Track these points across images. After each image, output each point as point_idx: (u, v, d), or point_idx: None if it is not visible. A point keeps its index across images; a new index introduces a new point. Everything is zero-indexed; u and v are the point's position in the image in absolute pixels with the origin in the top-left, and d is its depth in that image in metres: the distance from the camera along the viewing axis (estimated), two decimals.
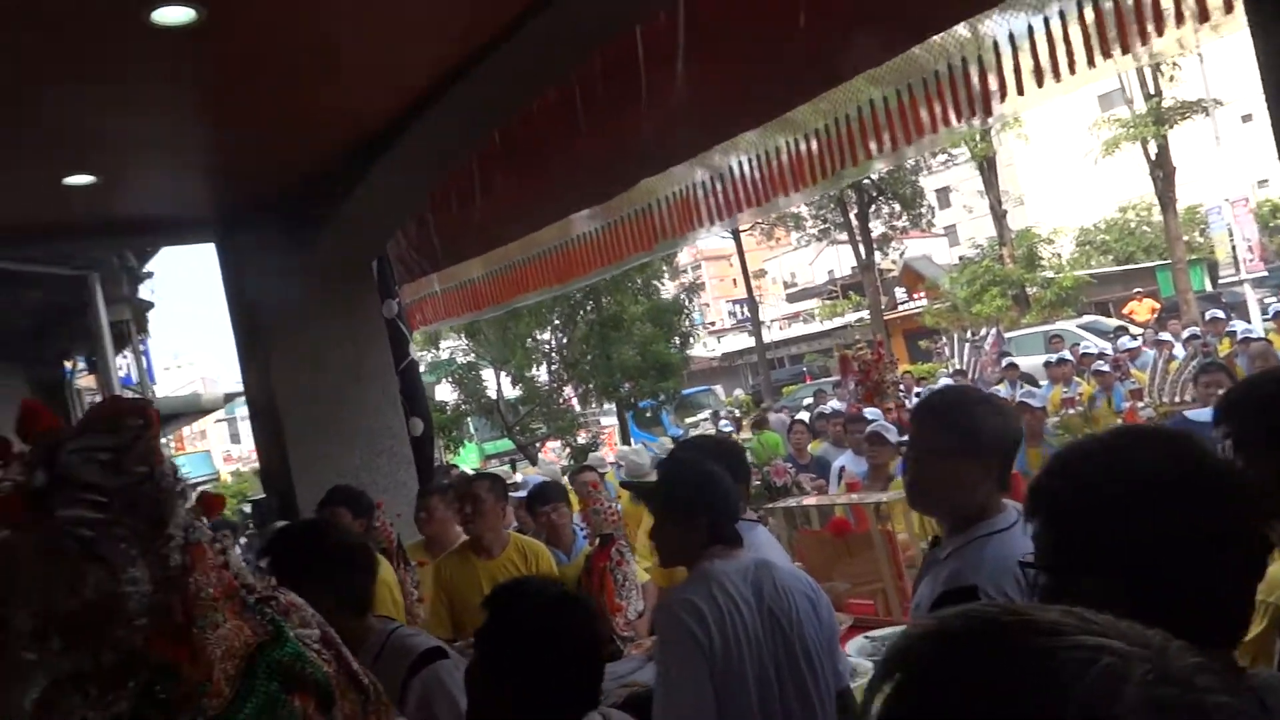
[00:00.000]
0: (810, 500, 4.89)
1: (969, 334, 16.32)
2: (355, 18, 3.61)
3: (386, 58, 4.04)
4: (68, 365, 15.37)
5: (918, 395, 10.99)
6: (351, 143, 4.92)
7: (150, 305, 12.19)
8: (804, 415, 11.28)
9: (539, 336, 16.61)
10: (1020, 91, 3.29)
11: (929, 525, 4.62)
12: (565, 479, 7.30)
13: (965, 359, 15.25)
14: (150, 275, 11.41)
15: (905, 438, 6.72)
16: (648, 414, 19.14)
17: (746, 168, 4.29)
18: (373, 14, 3.60)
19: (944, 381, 13.21)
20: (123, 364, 12.66)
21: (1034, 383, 12.90)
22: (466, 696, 1.84)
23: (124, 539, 1.44)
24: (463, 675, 2.33)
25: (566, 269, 5.53)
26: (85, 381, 16.57)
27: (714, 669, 2.36)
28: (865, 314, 30.45)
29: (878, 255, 29.14)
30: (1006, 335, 17.25)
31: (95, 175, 4.69)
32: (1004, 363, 13.57)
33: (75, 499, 1.47)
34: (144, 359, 14.26)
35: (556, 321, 16.42)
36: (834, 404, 12.04)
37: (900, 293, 32.94)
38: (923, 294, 30.02)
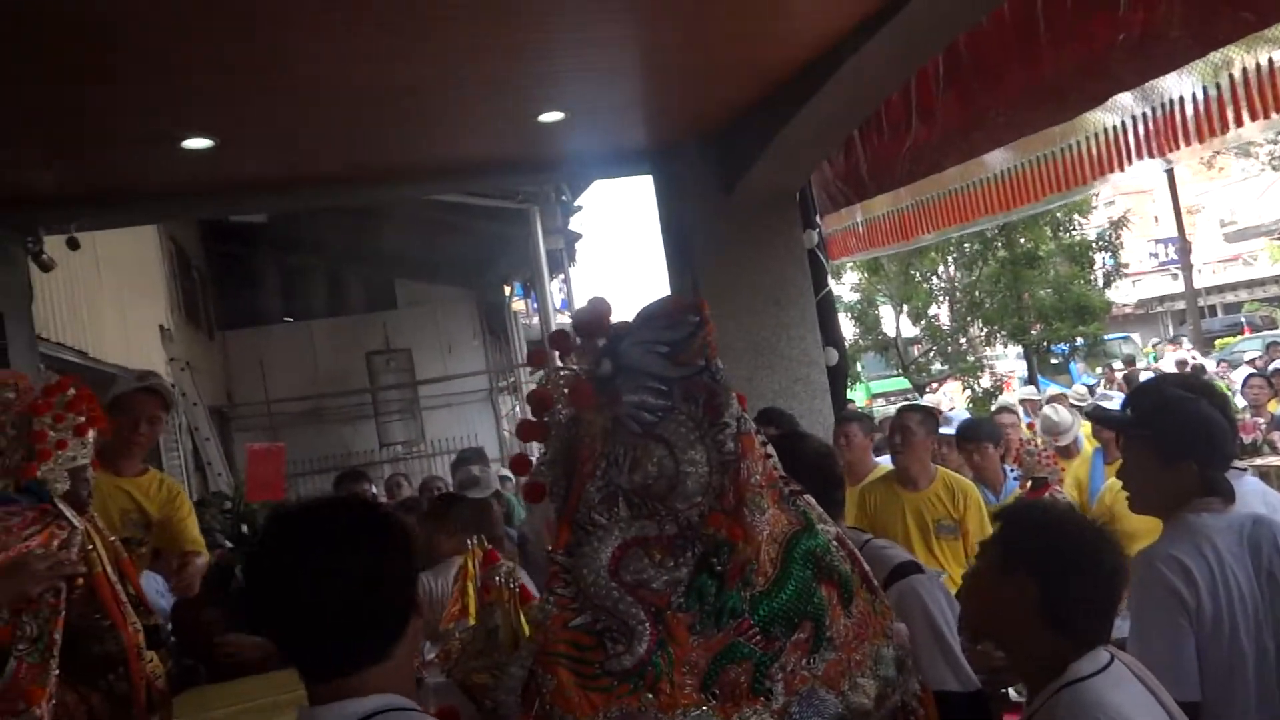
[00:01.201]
0: None
1: None
2: None
3: None
4: (506, 290, 17.40)
5: None
6: (788, 72, 4.97)
7: (579, 236, 13.37)
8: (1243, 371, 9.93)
9: (944, 273, 15.97)
10: None
11: None
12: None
13: None
14: (580, 209, 12.49)
15: None
16: (1054, 361, 17.79)
17: (1194, 94, 3.76)
18: None
19: None
20: (554, 291, 14.01)
21: None
22: (971, 602, 1.83)
23: (683, 424, 1.59)
24: (937, 588, 2.34)
25: (995, 202, 5.22)
26: (517, 305, 18.68)
27: (1201, 637, 2.13)
28: None
29: None
30: None
31: (564, 112, 5.18)
32: None
33: (639, 386, 1.64)
34: (568, 287, 15.68)
35: (956, 257, 15.68)
36: None
37: None
38: None
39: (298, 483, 13.73)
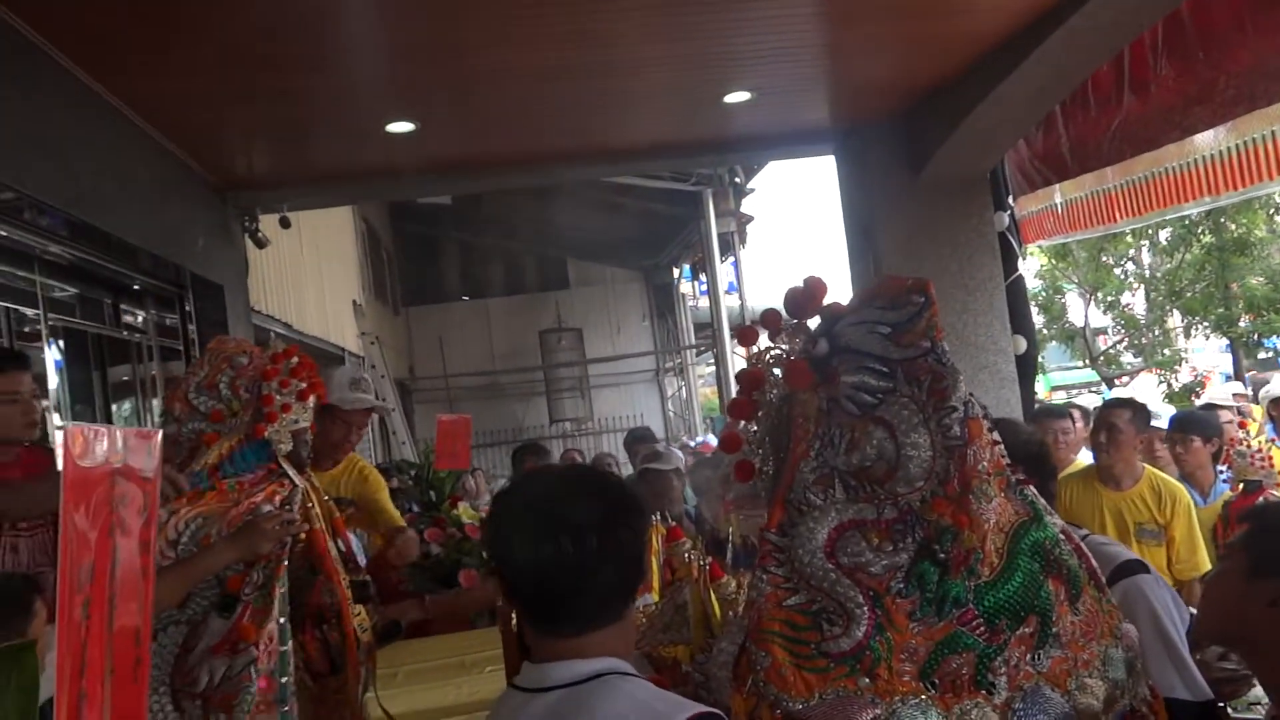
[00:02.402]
0: None
1: None
2: None
3: None
4: (675, 272, 17.52)
5: None
6: (985, 46, 4.76)
7: (750, 219, 13.29)
8: None
9: (1141, 260, 14.97)
10: None
11: None
12: None
13: None
14: (752, 191, 12.40)
15: None
16: (1261, 355, 16.42)
17: None
18: None
19: None
20: (723, 273, 13.97)
21: None
22: (1212, 607, 1.71)
23: (906, 406, 1.55)
24: (1164, 590, 2.20)
25: (1212, 184, 4.81)
26: (685, 287, 18.78)
27: None
28: None
29: None
30: None
31: (750, 92, 5.14)
32: None
33: (858, 367, 1.61)
34: (737, 269, 15.58)
35: (1154, 242, 14.66)
36: None
37: None
38: None
39: (474, 455, 14.27)
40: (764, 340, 1.84)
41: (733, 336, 11.05)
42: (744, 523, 1.96)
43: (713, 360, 15.31)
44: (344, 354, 10.22)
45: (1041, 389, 18.60)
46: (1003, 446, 1.57)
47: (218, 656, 2.51)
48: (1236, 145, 4.62)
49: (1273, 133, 4.38)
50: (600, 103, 5.29)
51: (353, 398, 3.93)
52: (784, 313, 1.81)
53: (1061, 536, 1.59)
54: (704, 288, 15.64)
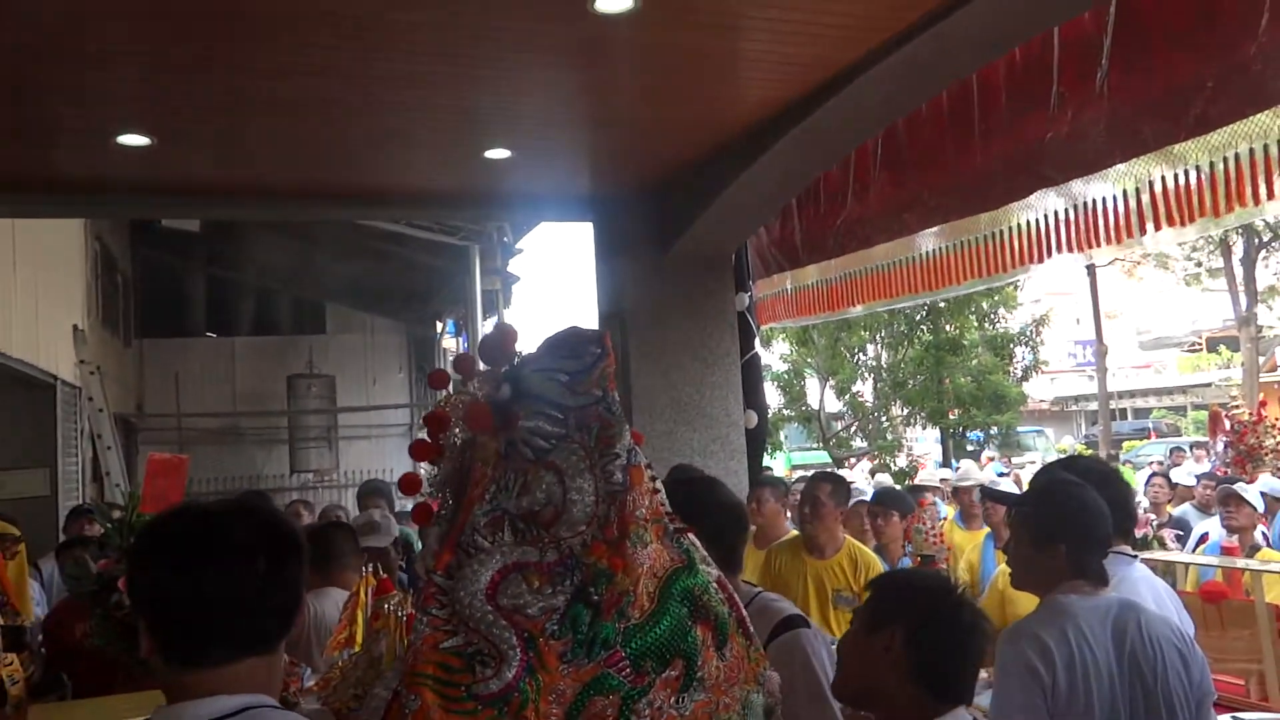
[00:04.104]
0: (1196, 559, 4.42)
1: None
2: (762, 8, 3.72)
3: (783, 53, 4.14)
4: (438, 326, 17.25)
5: None
6: (735, 135, 5.08)
7: (516, 279, 13.33)
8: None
9: (870, 351, 16.37)
10: None
11: None
12: None
13: None
14: (520, 251, 12.48)
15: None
16: (968, 447, 18.24)
17: (1113, 197, 4.00)
18: (779, 7, 3.70)
19: None
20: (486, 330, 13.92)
21: None
22: (844, 664, 1.87)
23: (575, 452, 1.59)
24: (821, 644, 2.36)
25: (920, 282, 5.39)
26: (448, 343, 18.52)
27: (1054, 713, 2.22)
28: (1234, 373, 27.06)
29: (1261, 309, 25.65)
30: None
31: (510, 150, 5.21)
32: None
33: (536, 412, 1.64)
34: None
35: (884, 336, 16.08)
36: (1190, 466, 11.10)
37: None
38: None
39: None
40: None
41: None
42: None
43: None
44: (56, 382, 9.29)
45: (782, 467, 19.71)
46: (664, 495, 1.64)
47: None
48: (939, 249, 5.19)
49: (963, 241, 4.96)
50: (361, 141, 5.18)
51: None
52: (479, 359, 1.83)
53: (714, 585, 1.68)
54: (467, 345, 15.50)
